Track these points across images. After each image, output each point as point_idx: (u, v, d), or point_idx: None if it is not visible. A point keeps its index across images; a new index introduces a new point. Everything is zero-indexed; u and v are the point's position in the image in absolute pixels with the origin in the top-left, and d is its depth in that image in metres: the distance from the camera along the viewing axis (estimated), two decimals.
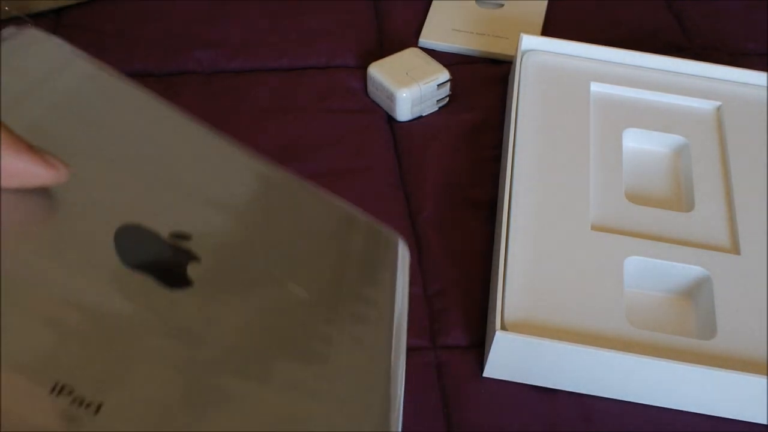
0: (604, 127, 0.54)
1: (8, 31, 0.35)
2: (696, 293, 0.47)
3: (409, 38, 0.64)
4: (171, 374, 0.30)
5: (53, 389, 0.26)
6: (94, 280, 0.30)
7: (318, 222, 0.40)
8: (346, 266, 0.39)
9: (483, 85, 0.60)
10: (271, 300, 0.35)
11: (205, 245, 0.34)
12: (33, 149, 0.28)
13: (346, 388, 0.34)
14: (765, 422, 0.43)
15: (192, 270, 0.33)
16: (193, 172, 0.37)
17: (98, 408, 0.26)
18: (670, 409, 0.44)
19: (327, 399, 0.33)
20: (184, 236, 0.34)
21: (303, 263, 0.37)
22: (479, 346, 0.46)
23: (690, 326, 0.46)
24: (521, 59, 0.57)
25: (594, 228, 0.48)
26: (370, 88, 0.58)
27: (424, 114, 0.58)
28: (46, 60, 0.35)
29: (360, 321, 0.37)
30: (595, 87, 0.56)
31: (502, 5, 0.67)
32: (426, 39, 0.63)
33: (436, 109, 0.58)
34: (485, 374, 0.44)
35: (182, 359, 0.31)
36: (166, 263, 0.33)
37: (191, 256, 0.34)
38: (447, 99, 0.59)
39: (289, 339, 0.34)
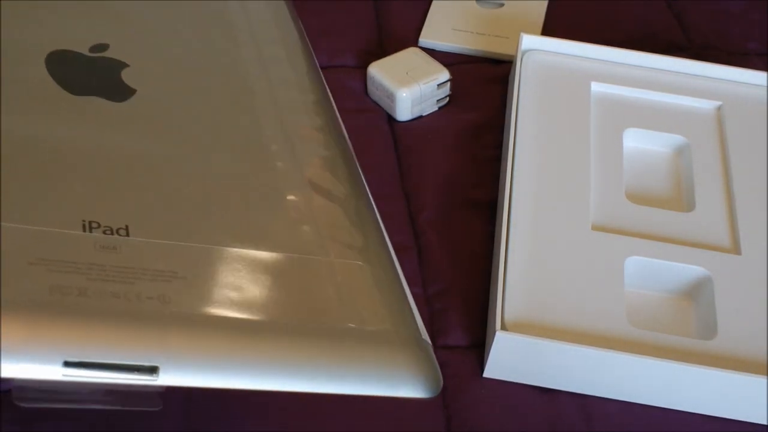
0: (604, 127, 0.54)
1: None
2: (696, 293, 0.47)
3: (409, 38, 0.64)
4: (164, 177, 0.31)
5: (84, 227, 0.27)
6: (53, 117, 0.31)
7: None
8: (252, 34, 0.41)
9: (483, 85, 0.60)
10: (211, 86, 0.37)
11: (125, 50, 0.36)
12: None
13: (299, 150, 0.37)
14: (765, 422, 0.43)
15: (127, 76, 0.34)
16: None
17: (127, 230, 0.28)
18: (670, 409, 0.44)
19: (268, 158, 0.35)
20: (102, 47, 0.35)
21: (215, 49, 0.39)
22: (479, 346, 0.46)
23: (690, 326, 0.46)
24: (521, 59, 0.57)
25: (594, 228, 0.48)
26: (370, 88, 0.58)
27: (424, 114, 0.58)
28: None
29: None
30: (596, 87, 0.56)
31: (502, 5, 0.67)
32: (426, 39, 0.63)
33: (436, 109, 0.58)
34: (485, 374, 0.44)
35: (164, 160, 0.32)
36: (102, 78, 0.34)
37: (120, 64, 0.35)
38: (447, 99, 0.59)
39: (239, 118, 0.37)
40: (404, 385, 0.29)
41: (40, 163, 0.29)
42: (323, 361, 0.27)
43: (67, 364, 0.24)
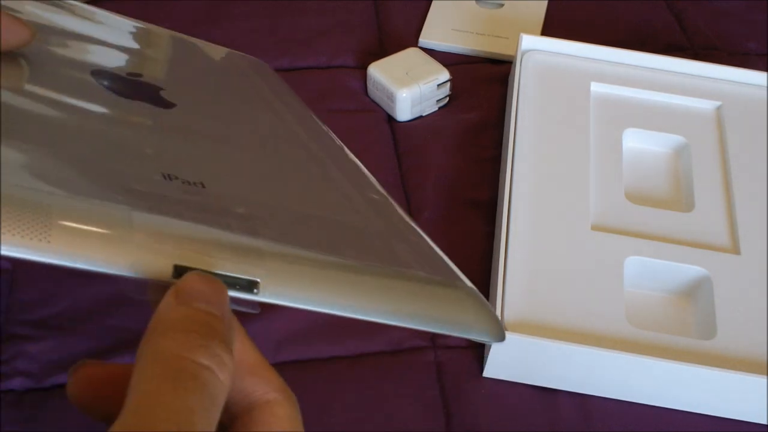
0: (604, 127, 0.54)
1: None
2: (696, 293, 0.47)
3: (409, 38, 0.64)
4: (228, 147, 0.34)
5: (164, 177, 0.28)
6: (110, 107, 0.33)
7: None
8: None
9: (483, 85, 0.60)
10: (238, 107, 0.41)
11: (157, 79, 0.38)
12: (8, 13, 0.32)
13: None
14: (765, 422, 0.43)
15: (166, 95, 0.37)
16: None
17: (203, 185, 0.29)
18: (670, 409, 0.44)
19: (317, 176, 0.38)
20: (137, 74, 0.37)
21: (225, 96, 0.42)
22: (479, 346, 0.46)
23: (690, 326, 0.46)
24: (521, 59, 0.57)
25: (594, 228, 0.48)
26: (370, 88, 0.58)
27: (424, 114, 0.58)
28: None
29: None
30: (595, 87, 0.56)
31: (502, 5, 0.67)
32: (426, 39, 0.63)
33: (436, 109, 0.58)
34: (485, 374, 0.44)
35: (223, 137, 0.35)
36: (147, 91, 0.36)
37: (157, 87, 0.37)
38: (447, 99, 0.59)
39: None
40: (475, 329, 0.30)
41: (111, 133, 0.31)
42: (407, 299, 0.28)
43: (177, 268, 0.24)
